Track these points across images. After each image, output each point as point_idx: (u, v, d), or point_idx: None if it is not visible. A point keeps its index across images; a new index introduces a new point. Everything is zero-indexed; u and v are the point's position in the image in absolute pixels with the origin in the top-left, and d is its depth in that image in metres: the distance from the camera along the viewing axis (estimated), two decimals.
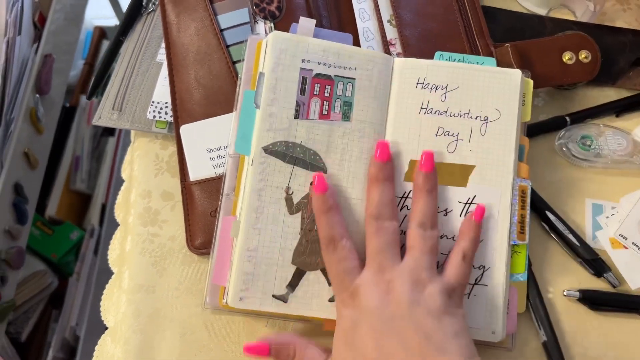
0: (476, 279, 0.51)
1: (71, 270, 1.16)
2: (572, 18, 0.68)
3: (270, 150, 0.51)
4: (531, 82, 0.56)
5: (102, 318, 0.57)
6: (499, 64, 0.55)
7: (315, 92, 0.53)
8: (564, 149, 0.61)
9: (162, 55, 0.62)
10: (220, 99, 0.57)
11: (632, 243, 0.56)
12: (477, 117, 0.53)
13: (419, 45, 0.60)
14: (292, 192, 0.51)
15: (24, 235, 0.90)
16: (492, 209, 0.52)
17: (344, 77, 0.53)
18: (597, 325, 0.55)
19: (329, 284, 0.51)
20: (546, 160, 0.61)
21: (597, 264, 0.56)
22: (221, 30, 0.59)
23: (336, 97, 0.53)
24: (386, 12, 0.61)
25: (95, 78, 0.66)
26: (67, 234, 1.16)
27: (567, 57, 0.60)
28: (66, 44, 1.02)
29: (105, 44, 1.37)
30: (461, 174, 0.52)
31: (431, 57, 0.55)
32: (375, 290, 0.46)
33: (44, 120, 0.94)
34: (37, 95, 0.92)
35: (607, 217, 0.58)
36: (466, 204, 0.52)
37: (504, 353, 0.53)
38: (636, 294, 0.56)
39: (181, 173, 0.57)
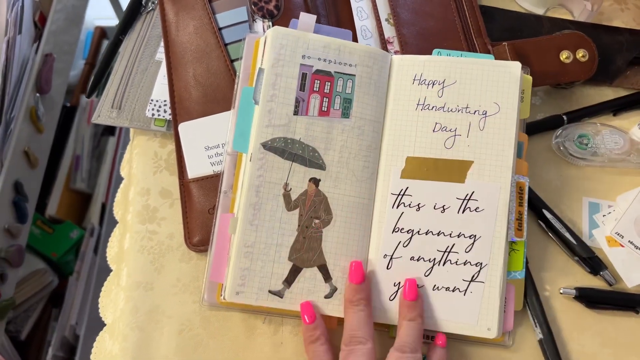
0: (473, 276, 0.51)
1: (71, 269, 1.16)
2: (569, 18, 0.69)
3: (269, 146, 0.52)
4: (530, 78, 0.56)
5: (101, 315, 0.57)
6: None
7: (315, 89, 0.53)
8: (561, 147, 0.61)
9: (161, 54, 0.63)
10: (218, 96, 0.58)
11: (629, 241, 0.56)
12: (475, 111, 0.53)
13: (416, 43, 0.60)
14: (291, 189, 0.52)
15: (23, 233, 0.90)
16: (491, 205, 0.52)
17: (344, 74, 0.53)
18: (593, 323, 0.55)
19: (325, 281, 0.51)
20: (543, 159, 0.61)
21: (593, 262, 0.56)
22: (220, 29, 0.59)
23: (336, 93, 0.53)
24: (384, 11, 0.61)
25: (95, 77, 0.67)
26: (67, 233, 1.16)
27: (564, 56, 0.60)
28: (67, 44, 1.02)
29: (106, 44, 1.37)
30: (459, 170, 0.53)
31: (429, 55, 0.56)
32: None
33: (44, 119, 0.94)
34: (38, 95, 0.92)
35: (604, 215, 0.58)
36: (464, 200, 0.52)
37: (501, 350, 0.53)
38: (632, 292, 0.56)
39: (179, 171, 0.57)
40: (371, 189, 0.53)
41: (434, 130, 0.53)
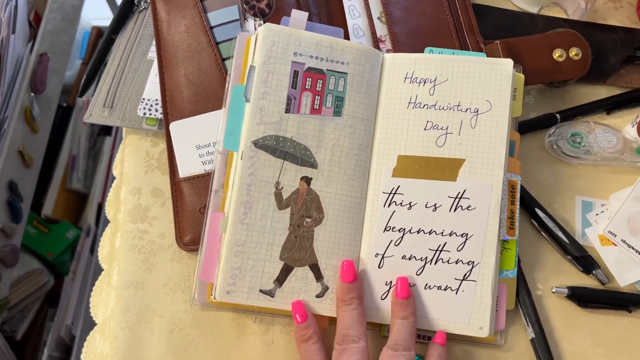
0: (465, 275, 0.51)
1: (67, 269, 1.16)
2: (563, 16, 0.69)
3: (260, 144, 0.51)
4: (522, 77, 0.56)
5: (92, 314, 0.57)
6: None
7: (306, 86, 0.53)
8: (554, 146, 0.61)
9: (153, 53, 0.62)
10: (209, 95, 0.57)
11: (621, 240, 0.56)
12: (467, 109, 0.53)
13: (408, 42, 0.60)
14: (282, 187, 0.51)
15: (18, 233, 0.90)
16: (483, 203, 0.52)
17: (336, 72, 0.53)
18: (585, 322, 0.55)
19: (317, 280, 0.51)
20: (537, 158, 0.61)
21: (586, 261, 0.56)
22: (211, 28, 0.59)
23: (328, 91, 0.53)
24: (376, 9, 0.61)
25: (87, 76, 0.67)
26: (63, 233, 1.16)
27: (557, 54, 0.60)
28: (63, 44, 1.02)
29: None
30: (450, 168, 0.52)
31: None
32: None
33: (39, 119, 0.94)
34: (32, 94, 0.92)
35: (597, 214, 0.58)
36: (456, 198, 0.52)
37: (493, 349, 0.53)
38: (625, 291, 0.56)
39: (170, 170, 0.57)
40: (363, 188, 0.53)
41: (425, 129, 0.53)
